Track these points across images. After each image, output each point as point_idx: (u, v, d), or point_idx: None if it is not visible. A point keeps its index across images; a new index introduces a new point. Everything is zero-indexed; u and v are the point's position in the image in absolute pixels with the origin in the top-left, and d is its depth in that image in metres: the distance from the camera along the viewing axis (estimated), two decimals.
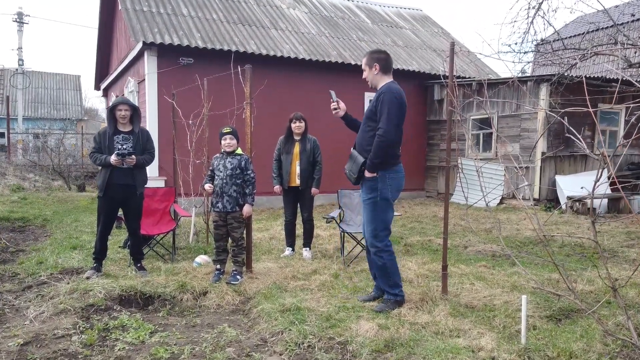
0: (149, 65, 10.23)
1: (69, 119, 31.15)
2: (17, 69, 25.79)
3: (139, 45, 10.17)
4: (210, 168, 5.27)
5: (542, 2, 7.95)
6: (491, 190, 11.41)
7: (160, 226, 6.40)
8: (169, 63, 10.32)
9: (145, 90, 10.37)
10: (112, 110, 5.45)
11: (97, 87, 16.52)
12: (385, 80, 4.19)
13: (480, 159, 12.03)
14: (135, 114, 5.52)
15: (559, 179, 10.60)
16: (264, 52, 11.03)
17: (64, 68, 74.15)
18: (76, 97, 32.51)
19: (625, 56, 8.85)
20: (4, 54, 65.26)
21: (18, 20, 24.70)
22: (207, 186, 5.16)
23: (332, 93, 4.38)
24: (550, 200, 10.69)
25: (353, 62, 12.08)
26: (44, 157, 21.11)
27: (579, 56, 8.59)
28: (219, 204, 5.08)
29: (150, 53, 10.15)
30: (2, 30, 79.94)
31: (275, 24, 12.63)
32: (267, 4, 13.61)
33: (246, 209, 5.08)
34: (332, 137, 12.16)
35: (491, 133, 11.82)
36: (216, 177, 5.13)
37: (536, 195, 10.74)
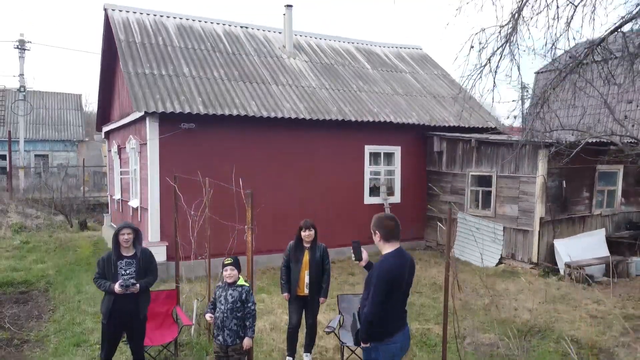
0: (151, 131, 10.33)
1: (70, 140, 31.29)
2: (18, 96, 25.86)
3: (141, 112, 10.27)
4: (213, 297, 5.38)
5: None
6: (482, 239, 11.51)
7: (163, 331, 6.50)
8: (170, 127, 10.42)
9: (147, 154, 10.46)
10: (116, 235, 5.56)
11: (98, 129, 16.60)
12: (386, 249, 4.29)
13: (479, 216, 12.12)
14: (137, 236, 5.63)
15: (557, 243, 10.69)
16: (265, 113, 11.13)
17: (65, 86, 74.13)
18: (77, 116, 32.60)
19: (623, 143, 8.93)
20: (5, 71, 65.15)
21: (19, 47, 24.78)
22: (208, 316, 5.28)
23: (357, 251, 4.49)
24: (549, 265, 10.77)
25: (354, 119, 12.18)
26: (46, 188, 21.21)
27: (579, 140, 8.68)
28: (220, 337, 5.18)
29: (152, 119, 10.24)
30: (4, 50, 79.96)
31: (276, 77, 12.72)
32: (267, 54, 13.69)
33: (246, 342, 5.18)
34: (332, 193, 12.31)
35: (490, 191, 11.90)
36: (217, 308, 5.23)
37: (534, 259, 10.83)
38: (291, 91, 12.39)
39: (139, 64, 11.22)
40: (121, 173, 13.20)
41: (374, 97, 13.56)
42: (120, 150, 13.79)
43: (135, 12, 13.19)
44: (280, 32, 14.91)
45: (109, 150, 16.04)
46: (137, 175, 11.80)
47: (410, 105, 13.84)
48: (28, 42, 25.04)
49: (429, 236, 13.80)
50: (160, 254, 10.39)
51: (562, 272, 10.44)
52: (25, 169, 27.05)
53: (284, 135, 11.60)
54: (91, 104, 67.50)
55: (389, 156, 13.32)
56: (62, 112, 32.45)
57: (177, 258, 7.30)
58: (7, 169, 24.75)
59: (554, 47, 7.28)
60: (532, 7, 6.91)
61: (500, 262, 11.53)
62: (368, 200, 12.98)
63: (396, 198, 13.39)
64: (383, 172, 13.23)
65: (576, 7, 6.84)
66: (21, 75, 25.25)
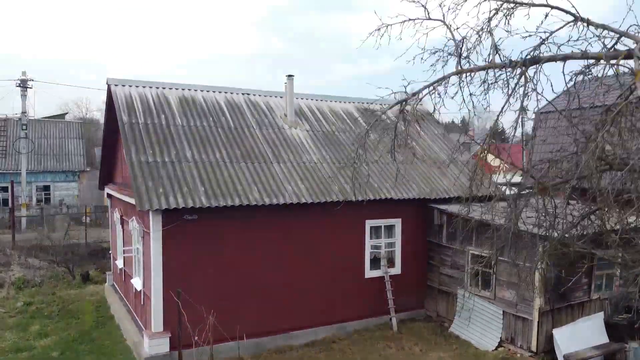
0: (154, 224, 10.44)
1: (71, 171, 31.42)
2: (20, 132, 25.97)
3: None
4: None
5: None
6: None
7: None
8: (174, 218, 10.53)
9: (151, 244, 10.56)
10: None
11: (101, 188, 16.71)
12: None
13: (479, 296, 12.23)
14: None
15: (557, 334, 10.80)
16: (267, 200, 11.24)
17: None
18: (79, 146, 32.72)
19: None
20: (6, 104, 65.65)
21: (22, 85, 24.89)
22: None
23: None
24: (547, 352, 10.88)
25: (354, 199, 12.26)
26: (48, 238, 21.24)
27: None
28: None
29: (155, 213, 10.35)
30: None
31: (278, 154, 12.82)
32: (269, 125, 13.80)
33: None
34: (333, 269, 12.43)
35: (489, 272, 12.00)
36: None
37: (534, 348, 10.93)
38: (293, 170, 12.49)
39: (142, 151, 11.32)
40: (124, 250, 13.28)
41: (375, 167, 13.66)
42: (122, 220, 13.89)
43: (137, 86, 13.29)
44: (281, 97, 15.01)
45: (111, 212, 16.14)
46: (140, 256, 11.90)
47: (411, 175, 13.94)
48: (30, 79, 25.15)
49: (429, 306, 13.91)
50: (163, 345, 10.52)
51: None
52: (28, 206, 27.17)
53: (286, 216, 11.72)
54: (92, 112, 67.93)
55: (389, 228, 13.43)
56: (64, 141, 32.57)
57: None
58: (9, 215, 24.89)
59: None
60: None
61: (500, 345, 11.63)
62: (369, 274, 13.09)
63: (397, 269, 13.51)
64: (384, 245, 13.34)
65: None
66: (23, 113, 25.36)
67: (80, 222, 31.02)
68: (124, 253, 13.31)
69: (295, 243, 11.97)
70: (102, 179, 16.42)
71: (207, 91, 14.23)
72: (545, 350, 10.93)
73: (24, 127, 25.24)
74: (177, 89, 13.84)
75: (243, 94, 14.74)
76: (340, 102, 16.23)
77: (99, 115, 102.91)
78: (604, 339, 11.19)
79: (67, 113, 64.06)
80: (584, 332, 11.05)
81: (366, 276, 13.09)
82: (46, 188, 31.04)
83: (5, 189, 30.04)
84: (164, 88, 13.65)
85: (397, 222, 13.42)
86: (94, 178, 32.09)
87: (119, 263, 14.45)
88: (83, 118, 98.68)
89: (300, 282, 12.03)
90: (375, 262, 13.27)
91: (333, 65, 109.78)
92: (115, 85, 13.06)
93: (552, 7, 6.29)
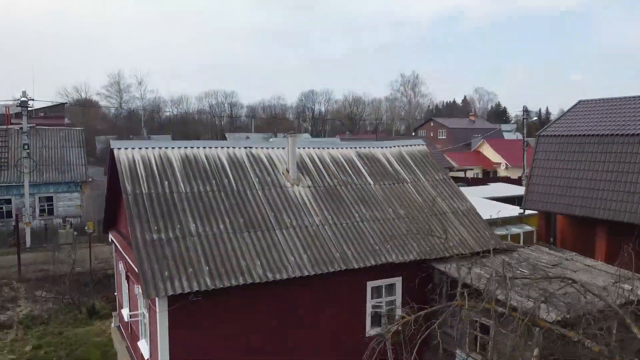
0: (160, 305, 10.70)
1: (73, 182, 31.62)
2: (21, 142, 26.05)
3: None
4: None
5: None
6: None
7: None
8: (179, 297, 10.79)
9: (157, 323, 10.84)
10: None
11: (105, 231, 16.92)
12: None
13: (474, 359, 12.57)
14: None
15: None
16: (270, 276, 11.48)
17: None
18: (80, 155, 32.80)
19: None
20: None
21: (22, 106, 24.86)
22: None
23: None
24: None
25: (356, 266, 12.54)
26: (54, 259, 21.60)
27: None
28: None
29: (161, 296, 10.60)
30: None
31: (280, 219, 12.98)
32: (271, 184, 13.92)
33: None
34: (335, 333, 12.71)
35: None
36: None
37: None
38: (295, 236, 12.67)
39: (147, 228, 11.50)
40: (131, 315, 13.57)
41: (376, 227, 13.84)
42: (128, 277, 14.15)
43: (140, 148, 13.37)
44: (283, 148, 15.10)
45: (116, 260, 16.39)
46: (146, 321, 12.21)
47: (411, 231, 14.12)
48: (31, 99, 25.10)
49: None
50: None
51: None
52: (32, 217, 27.46)
53: (289, 286, 11.96)
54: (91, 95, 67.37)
55: (390, 287, 13.71)
56: (65, 150, 32.64)
57: None
58: (14, 233, 25.21)
59: None
60: None
61: None
62: (369, 332, 13.43)
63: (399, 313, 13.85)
64: (384, 303, 13.65)
65: None
66: (24, 132, 25.39)
67: (85, 232, 31.44)
68: (130, 317, 13.61)
69: (297, 310, 12.26)
70: (106, 222, 16.60)
71: (210, 147, 14.32)
72: None
73: (26, 146, 25.32)
74: (179, 147, 13.92)
75: (245, 147, 14.81)
76: (340, 148, 16.29)
77: (99, 98, 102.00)
78: None
79: (66, 103, 63.71)
80: None
81: (367, 335, 13.43)
82: (49, 199, 31.27)
83: (8, 201, 30.32)
84: (166, 148, 13.74)
85: (398, 281, 13.69)
86: (96, 188, 32.30)
87: (125, 314, 14.77)
88: (83, 101, 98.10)
89: (303, 349, 12.38)
90: (376, 320, 13.60)
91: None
92: (119, 148, 13.15)
93: None
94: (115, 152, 13.05)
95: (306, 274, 11.89)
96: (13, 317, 17.84)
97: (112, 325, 16.98)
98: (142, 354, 12.64)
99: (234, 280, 11.12)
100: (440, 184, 16.41)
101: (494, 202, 27.48)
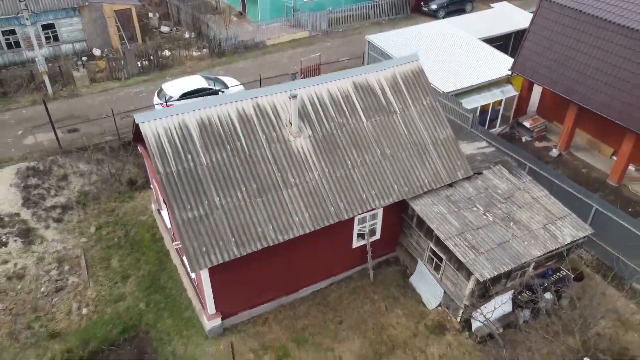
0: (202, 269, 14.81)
1: (72, 7, 31.46)
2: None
3: None
4: None
5: None
6: None
7: None
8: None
9: (202, 277, 15.15)
10: None
11: (135, 141, 19.49)
12: None
13: (431, 272, 17.29)
14: None
15: (473, 321, 16.38)
16: (281, 238, 15.21)
17: None
18: None
19: None
20: None
21: None
22: None
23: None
24: (467, 321, 16.72)
25: (347, 217, 16.10)
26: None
27: None
28: None
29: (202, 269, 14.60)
30: None
31: (286, 178, 15.80)
32: (276, 139, 16.14)
33: None
34: (328, 259, 17.35)
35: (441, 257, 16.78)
36: None
37: (458, 319, 16.71)
38: (298, 195, 15.74)
39: (182, 206, 14.59)
40: (174, 244, 17.56)
41: (365, 172, 16.72)
42: (164, 201, 17.71)
43: (161, 118, 15.19)
44: (285, 91, 16.66)
45: (148, 163, 19.48)
46: None
47: (394, 172, 17.05)
48: None
49: (399, 253, 19.12)
50: (217, 320, 16.31)
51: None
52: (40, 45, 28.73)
53: (293, 239, 15.70)
54: None
55: (373, 216, 17.48)
56: None
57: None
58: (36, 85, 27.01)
59: None
60: None
61: (439, 306, 17.40)
62: (355, 245, 17.88)
63: (377, 236, 18.20)
64: (368, 227, 17.65)
65: None
66: None
67: (93, 57, 33.09)
68: (174, 245, 17.74)
69: (299, 249, 16.30)
70: (135, 135, 19.10)
71: (221, 105, 15.92)
72: (465, 319, 16.78)
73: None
74: (194, 110, 15.60)
75: (251, 99, 16.36)
76: (337, 80, 17.54)
77: None
78: (509, 309, 16.93)
79: None
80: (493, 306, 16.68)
81: (353, 247, 17.91)
82: (51, 26, 31.58)
83: (12, 32, 30.83)
84: (183, 114, 15.46)
85: (379, 211, 17.39)
86: (94, 10, 32.43)
87: (166, 220, 18.92)
88: None
89: (305, 271, 17.02)
90: (360, 236, 17.85)
91: None
92: (142, 122, 15.04)
93: None
94: (141, 127, 14.99)
95: (307, 231, 15.55)
96: (71, 197, 21.88)
97: (153, 207, 21.24)
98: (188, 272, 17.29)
99: (254, 247, 14.90)
100: (426, 112, 18.29)
101: (487, 47, 28.18)
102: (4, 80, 28.64)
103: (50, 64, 29.92)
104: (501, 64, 26.56)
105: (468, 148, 19.80)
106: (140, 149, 19.30)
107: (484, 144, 20.38)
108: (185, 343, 16.42)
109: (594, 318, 16.25)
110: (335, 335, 16.68)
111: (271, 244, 15.11)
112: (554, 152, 25.09)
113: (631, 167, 23.72)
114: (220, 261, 14.54)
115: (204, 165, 15.26)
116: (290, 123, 16.45)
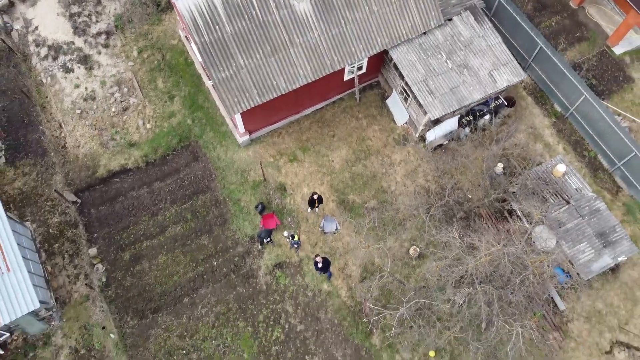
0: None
1: None
2: None
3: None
4: None
5: None
6: None
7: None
8: None
9: (235, 117, 21.25)
10: None
11: None
12: None
13: (402, 100, 23.27)
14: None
15: (429, 134, 23.07)
16: (290, 87, 20.75)
17: None
18: None
19: None
20: None
21: None
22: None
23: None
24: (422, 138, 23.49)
25: (339, 67, 21.22)
26: None
27: None
28: None
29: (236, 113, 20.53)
30: None
31: (292, 39, 20.29)
32: (283, 6, 19.98)
33: None
34: (324, 92, 23.55)
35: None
36: None
37: (416, 136, 23.47)
38: (302, 52, 20.49)
39: (217, 69, 19.67)
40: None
41: (355, 28, 20.99)
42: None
43: None
44: None
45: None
46: None
47: (379, 26, 21.29)
48: None
49: (381, 78, 24.59)
50: (247, 137, 23.23)
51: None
52: None
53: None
54: None
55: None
56: None
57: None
58: None
59: None
60: None
61: (405, 124, 23.92)
62: (346, 78, 23.33)
63: (363, 70, 23.47)
64: (355, 68, 22.75)
65: None
66: None
67: None
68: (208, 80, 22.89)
69: (303, 88, 21.84)
70: None
71: None
72: (421, 136, 23.54)
73: None
74: None
75: None
76: None
77: None
78: (455, 127, 23.56)
79: None
80: (444, 127, 23.27)
81: (344, 80, 23.38)
82: None
83: None
84: None
85: (365, 58, 22.26)
86: None
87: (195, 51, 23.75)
88: None
89: (308, 100, 22.90)
90: (350, 73, 23.14)
91: None
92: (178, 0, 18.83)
93: None
94: (177, 4, 18.84)
95: (309, 80, 20.93)
96: (109, 22, 25.56)
97: (180, 34, 25.45)
98: None
99: (271, 95, 20.56)
100: None
101: None
102: None
103: None
104: None
105: None
106: None
107: None
108: (225, 150, 23.56)
109: (516, 131, 23.06)
110: (329, 145, 23.69)
111: (284, 93, 20.73)
112: None
113: None
114: (248, 107, 20.45)
115: (229, 34, 19.66)
116: None
